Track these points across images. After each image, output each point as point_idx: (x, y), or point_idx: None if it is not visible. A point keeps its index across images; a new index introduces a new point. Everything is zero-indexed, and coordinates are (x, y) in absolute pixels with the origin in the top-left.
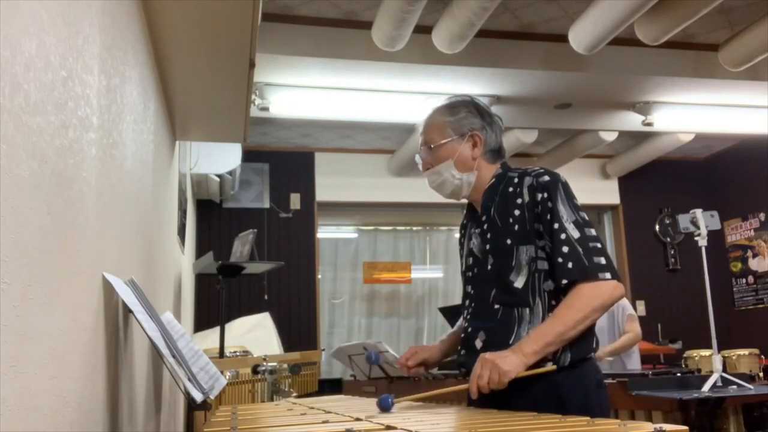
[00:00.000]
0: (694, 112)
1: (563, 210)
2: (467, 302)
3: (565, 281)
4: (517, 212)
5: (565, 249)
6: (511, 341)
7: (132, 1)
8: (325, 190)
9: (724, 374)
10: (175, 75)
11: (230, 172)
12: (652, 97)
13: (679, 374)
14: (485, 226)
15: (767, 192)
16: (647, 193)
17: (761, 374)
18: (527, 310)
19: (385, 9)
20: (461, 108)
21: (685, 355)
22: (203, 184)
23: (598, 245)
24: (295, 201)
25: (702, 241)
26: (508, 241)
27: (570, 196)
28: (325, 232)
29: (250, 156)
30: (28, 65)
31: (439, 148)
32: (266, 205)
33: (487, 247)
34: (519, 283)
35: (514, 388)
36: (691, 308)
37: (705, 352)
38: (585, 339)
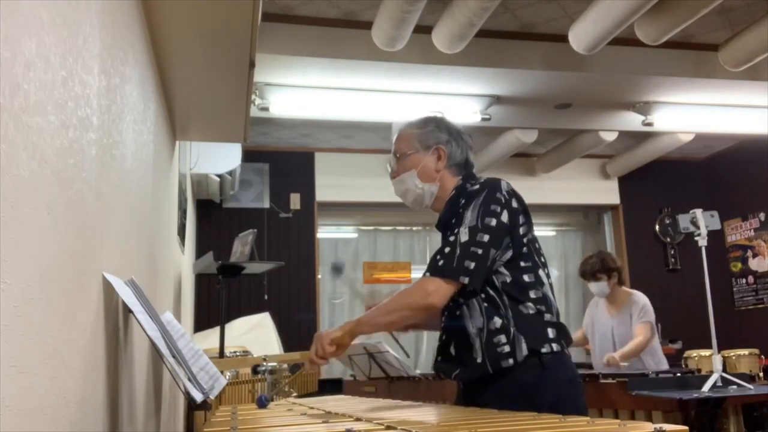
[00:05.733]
0: (694, 112)
1: (469, 215)
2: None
3: (428, 274)
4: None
5: (447, 249)
6: (470, 339)
7: (132, 1)
8: (325, 190)
9: (724, 374)
10: (175, 75)
11: (230, 172)
12: (652, 97)
13: (679, 374)
14: (446, 236)
15: (767, 192)
16: (647, 193)
17: (761, 374)
18: (469, 304)
19: (385, 9)
20: (430, 123)
21: (685, 355)
22: (203, 184)
23: (479, 251)
24: (295, 201)
25: (702, 241)
26: None
27: (488, 202)
28: (325, 232)
29: (250, 156)
30: (28, 65)
31: (405, 158)
32: (266, 205)
33: None
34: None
35: (483, 389)
36: (691, 308)
37: (705, 352)
38: (534, 328)
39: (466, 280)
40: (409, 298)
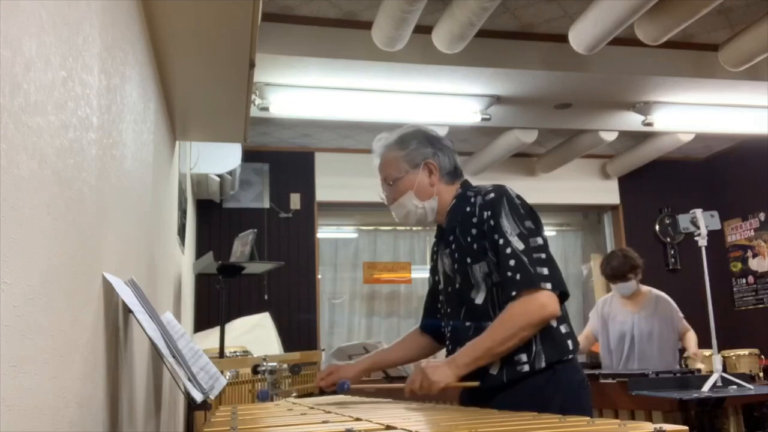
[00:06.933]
0: (694, 112)
1: (506, 224)
2: (445, 321)
3: (514, 292)
4: (474, 231)
5: (512, 262)
6: None
7: (132, 1)
8: (325, 190)
9: (724, 374)
10: (175, 75)
11: (230, 172)
12: (652, 97)
13: (679, 374)
14: (453, 246)
15: (767, 192)
16: (647, 193)
17: (761, 374)
18: (489, 324)
19: (385, 9)
20: (411, 140)
21: (685, 355)
22: (203, 184)
23: (543, 255)
24: (295, 201)
25: (702, 241)
26: (468, 260)
27: (515, 208)
28: (325, 232)
29: (250, 156)
30: (28, 65)
31: (398, 182)
32: (266, 205)
33: (455, 266)
34: (479, 299)
35: (495, 392)
36: (691, 308)
37: (705, 352)
38: (556, 342)
39: (548, 286)
40: (526, 318)
